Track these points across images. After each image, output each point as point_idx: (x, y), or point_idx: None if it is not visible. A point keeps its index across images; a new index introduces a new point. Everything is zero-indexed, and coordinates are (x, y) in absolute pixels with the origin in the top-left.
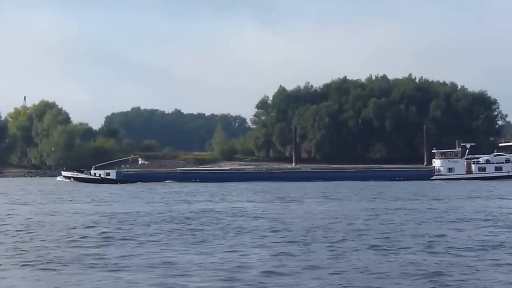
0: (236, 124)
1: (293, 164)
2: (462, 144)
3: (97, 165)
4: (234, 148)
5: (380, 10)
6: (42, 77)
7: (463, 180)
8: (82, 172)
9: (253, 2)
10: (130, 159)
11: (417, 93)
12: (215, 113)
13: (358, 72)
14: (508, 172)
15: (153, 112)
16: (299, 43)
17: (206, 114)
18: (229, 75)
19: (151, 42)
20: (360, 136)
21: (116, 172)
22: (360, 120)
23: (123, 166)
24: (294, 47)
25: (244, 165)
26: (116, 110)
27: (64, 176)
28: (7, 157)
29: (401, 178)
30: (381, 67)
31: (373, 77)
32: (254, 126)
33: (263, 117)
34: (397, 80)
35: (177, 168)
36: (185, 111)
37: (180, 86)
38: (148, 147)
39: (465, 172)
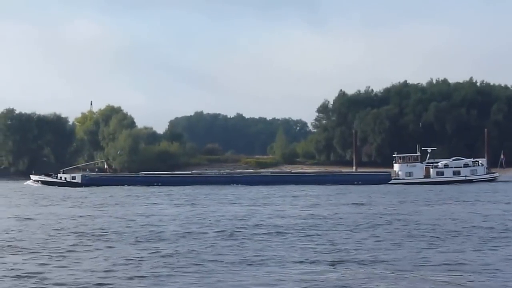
0: (297, 128)
1: (354, 168)
2: (423, 148)
3: (65, 169)
4: (295, 152)
5: (437, 12)
6: (105, 83)
7: (420, 185)
8: (50, 176)
9: (297, 4)
10: (96, 164)
11: (478, 96)
12: (276, 117)
13: (419, 76)
14: (465, 176)
15: (215, 116)
16: (354, 46)
17: (268, 118)
18: (286, 80)
19: (205, 48)
20: (421, 140)
21: (81, 176)
22: (420, 124)
23: (88, 170)
24: (349, 51)
25: (306, 169)
26: (179, 115)
27: (33, 180)
28: (74, 160)
29: (359, 182)
30: (442, 70)
31: (434, 81)
32: (315, 130)
33: (324, 121)
34: (458, 83)
35: (141, 172)
36: (247, 115)
37: (241, 91)
38: (211, 150)
39: (423, 176)
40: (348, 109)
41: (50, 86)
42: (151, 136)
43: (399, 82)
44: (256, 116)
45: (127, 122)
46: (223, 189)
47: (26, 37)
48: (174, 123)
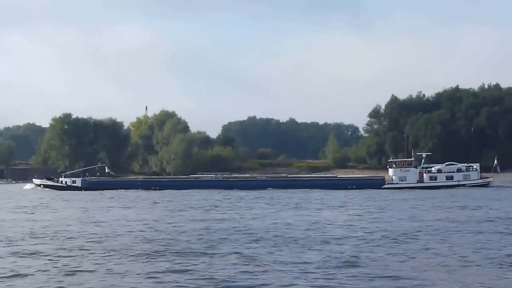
0: (349, 132)
1: None
2: (418, 153)
3: (66, 173)
4: (346, 156)
5: (488, 16)
6: (158, 89)
7: (413, 189)
8: (51, 179)
9: (341, 7)
10: (97, 168)
11: None
12: (328, 122)
13: (471, 80)
14: (458, 181)
15: (268, 121)
16: (402, 50)
17: (320, 123)
18: (336, 84)
19: (251, 52)
20: (472, 145)
21: (81, 180)
22: (472, 128)
23: (87, 174)
24: (398, 56)
25: (357, 173)
26: (232, 120)
27: (35, 184)
28: (129, 164)
29: (353, 187)
30: (494, 75)
31: (486, 86)
32: (366, 135)
33: (375, 126)
34: (510, 88)
35: (138, 177)
36: (299, 120)
37: (292, 96)
38: (264, 155)
39: (417, 181)
40: (399, 114)
41: (102, 92)
42: (204, 141)
43: (451, 87)
44: (308, 121)
45: (181, 126)
46: (222, 193)
47: (78, 43)
48: (227, 128)
